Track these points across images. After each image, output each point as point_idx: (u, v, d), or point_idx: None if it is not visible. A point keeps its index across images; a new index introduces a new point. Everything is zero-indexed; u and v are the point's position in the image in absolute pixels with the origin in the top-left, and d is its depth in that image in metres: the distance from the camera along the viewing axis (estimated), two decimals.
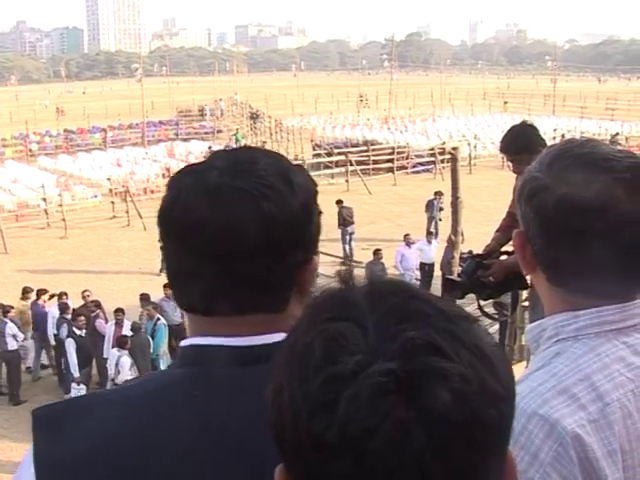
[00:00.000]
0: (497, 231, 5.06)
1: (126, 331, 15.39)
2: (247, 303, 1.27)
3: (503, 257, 4.34)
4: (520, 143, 4.80)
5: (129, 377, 13.37)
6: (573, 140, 1.60)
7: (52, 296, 17.42)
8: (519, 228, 1.58)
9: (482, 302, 4.26)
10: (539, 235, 1.52)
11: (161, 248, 1.33)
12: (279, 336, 1.15)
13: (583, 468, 1.36)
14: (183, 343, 1.33)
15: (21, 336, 15.88)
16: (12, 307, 16.40)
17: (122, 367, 14.01)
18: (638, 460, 1.43)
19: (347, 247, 24.21)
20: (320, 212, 1.36)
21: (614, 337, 1.49)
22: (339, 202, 24.79)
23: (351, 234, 24.34)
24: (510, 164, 5.08)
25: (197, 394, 1.22)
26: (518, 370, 1.59)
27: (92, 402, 1.31)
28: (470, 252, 4.36)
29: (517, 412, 1.35)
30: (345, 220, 24.21)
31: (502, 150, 5.12)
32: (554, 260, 1.52)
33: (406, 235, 20.59)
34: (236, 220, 1.23)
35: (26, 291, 17.53)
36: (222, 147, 43.94)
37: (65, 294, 17.08)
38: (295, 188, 1.28)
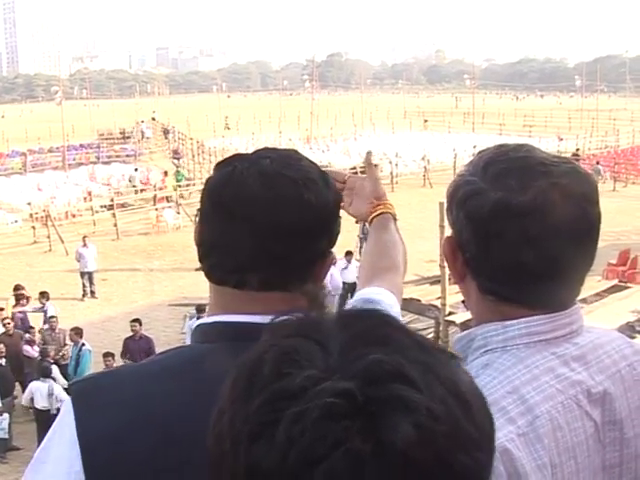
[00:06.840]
0: None
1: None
2: (275, 279, 1.43)
3: None
4: None
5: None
6: (506, 144, 1.54)
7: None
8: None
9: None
10: (472, 241, 1.46)
11: (199, 222, 1.51)
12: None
13: None
14: (204, 321, 1.48)
15: None
16: None
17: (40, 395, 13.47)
18: (568, 473, 1.39)
19: None
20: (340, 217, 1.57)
21: (543, 348, 1.44)
22: None
23: None
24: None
25: None
26: None
27: (126, 377, 1.44)
28: None
29: None
30: None
31: None
32: (486, 267, 1.46)
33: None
34: (281, 201, 1.42)
35: None
36: (145, 169, 43.60)
37: None
38: (330, 187, 1.51)
